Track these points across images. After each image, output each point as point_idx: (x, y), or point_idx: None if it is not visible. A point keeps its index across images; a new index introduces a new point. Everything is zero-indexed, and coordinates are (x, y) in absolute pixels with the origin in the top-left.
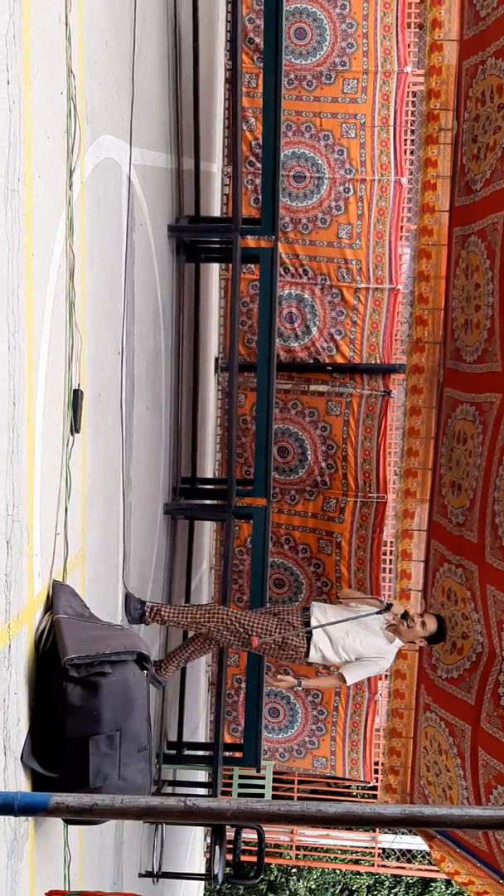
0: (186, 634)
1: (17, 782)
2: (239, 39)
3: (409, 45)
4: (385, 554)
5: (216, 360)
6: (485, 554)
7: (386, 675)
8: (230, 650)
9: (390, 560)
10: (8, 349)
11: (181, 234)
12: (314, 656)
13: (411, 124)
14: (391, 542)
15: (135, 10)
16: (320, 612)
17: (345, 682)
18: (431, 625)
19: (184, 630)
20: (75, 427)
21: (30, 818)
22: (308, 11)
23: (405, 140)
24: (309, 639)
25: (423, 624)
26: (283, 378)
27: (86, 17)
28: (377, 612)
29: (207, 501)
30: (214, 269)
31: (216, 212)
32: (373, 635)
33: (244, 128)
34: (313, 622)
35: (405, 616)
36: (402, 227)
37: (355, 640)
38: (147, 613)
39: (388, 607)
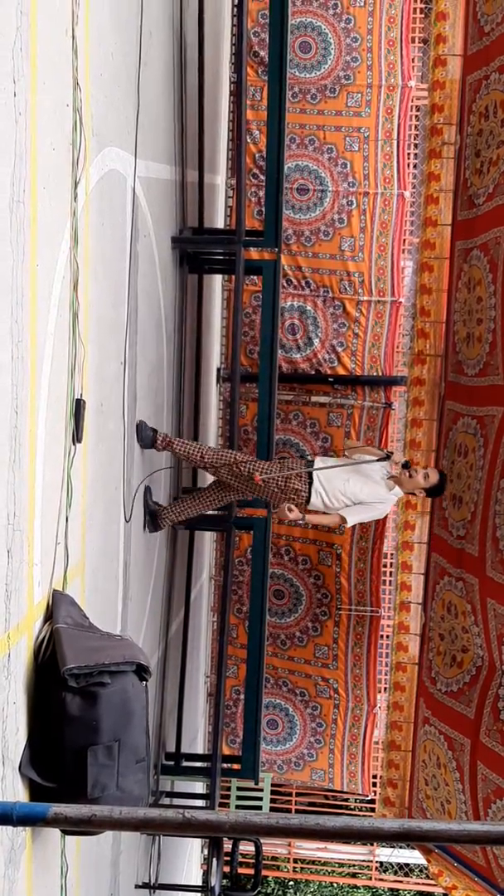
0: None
1: (15, 792)
2: (244, 52)
3: (413, 60)
4: (385, 566)
5: (218, 370)
6: (485, 567)
7: (385, 688)
8: (244, 493)
9: (390, 572)
10: (11, 359)
11: (185, 245)
12: (315, 501)
13: (415, 138)
14: (391, 554)
15: (141, 24)
16: (322, 462)
17: (345, 522)
18: (433, 477)
19: (190, 466)
20: (77, 437)
21: (28, 828)
22: (313, 25)
23: (408, 154)
24: (311, 484)
25: (426, 476)
26: (285, 389)
27: (92, 31)
28: (378, 461)
29: (207, 512)
30: (217, 280)
31: (220, 223)
32: (373, 483)
33: (248, 140)
34: (317, 465)
35: (406, 465)
36: (404, 240)
37: (355, 486)
38: (159, 441)
39: (389, 456)
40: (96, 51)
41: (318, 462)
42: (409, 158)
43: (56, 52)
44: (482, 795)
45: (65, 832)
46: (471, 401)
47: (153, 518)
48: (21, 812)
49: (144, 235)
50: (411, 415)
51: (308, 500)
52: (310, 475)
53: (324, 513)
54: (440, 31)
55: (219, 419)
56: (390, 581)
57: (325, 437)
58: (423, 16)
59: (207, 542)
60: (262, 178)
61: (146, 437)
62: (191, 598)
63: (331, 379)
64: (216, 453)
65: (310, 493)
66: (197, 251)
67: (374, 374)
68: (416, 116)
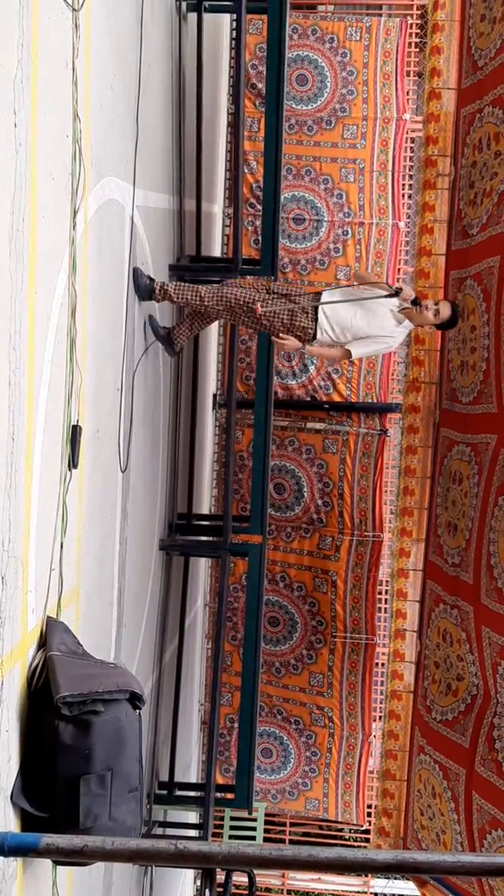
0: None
1: (6, 822)
2: (242, 84)
3: (408, 93)
4: (380, 593)
5: (214, 396)
6: (480, 595)
7: (380, 717)
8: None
9: (386, 599)
10: (8, 385)
11: (182, 272)
12: (321, 338)
13: (410, 169)
14: (386, 581)
15: (140, 56)
16: (329, 295)
17: (350, 356)
18: (445, 311)
19: (190, 310)
20: (73, 463)
21: (19, 858)
22: (310, 59)
23: (403, 185)
24: (316, 319)
25: (437, 312)
26: (281, 415)
27: (92, 63)
28: (386, 296)
29: (203, 538)
30: None
31: (217, 252)
32: (381, 316)
33: (245, 170)
34: (323, 299)
35: (416, 302)
36: (399, 269)
37: (363, 321)
38: (157, 291)
39: (398, 292)
40: (96, 82)
41: (325, 296)
42: (403, 189)
43: (56, 83)
44: (477, 826)
45: (56, 862)
46: (465, 428)
47: (168, 342)
48: (12, 842)
49: (142, 263)
50: (406, 442)
51: (314, 337)
52: (315, 310)
53: (329, 346)
54: (435, 65)
55: (215, 445)
56: (385, 608)
57: (321, 463)
58: (417, 50)
59: (202, 568)
60: (259, 207)
61: (143, 287)
62: (185, 625)
63: (326, 405)
64: (215, 294)
65: (316, 329)
66: (194, 279)
67: (370, 400)
68: (411, 148)
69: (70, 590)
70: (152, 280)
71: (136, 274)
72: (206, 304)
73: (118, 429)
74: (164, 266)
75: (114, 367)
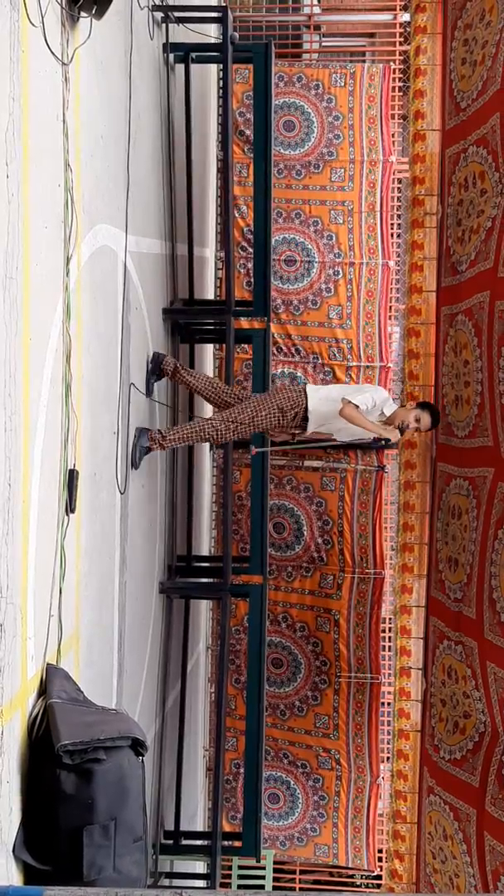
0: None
1: (9, 875)
2: (230, 132)
3: (393, 135)
4: (384, 630)
5: None
6: (484, 630)
7: (387, 757)
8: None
9: (389, 637)
10: (4, 431)
11: (176, 316)
12: (311, 428)
13: (397, 209)
14: (390, 619)
15: (129, 106)
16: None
17: (350, 402)
18: (426, 420)
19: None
20: (70, 507)
21: None
22: (296, 105)
23: (392, 224)
24: (307, 419)
25: (418, 420)
26: (278, 454)
27: (83, 114)
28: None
29: (203, 579)
30: (209, 349)
31: (210, 295)
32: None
33: (236, 215)
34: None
35: (401, 430)
36: (390, 307)
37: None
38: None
39: (387, 442)
40: (86, 133)
41: (310, 404)
42: (392, 228)
43: (47, 135)
44: (491, 868)
45: None
46: (462, 462)
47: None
48: None
49: (136, 308)
50: (404, 477)
51: (305, 418)
52: (305, 416)
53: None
54: (418, 108)
55: (213, 486)
56: (389, 646)
57: (320, 501)
58: (401, 93)
59: (203, 610)
60: (251, 250)
61: (141, 451)
62: (187, 669)
63: (323, 443)
64: (214, 431)
65: (306, 427)
66: (188, 321)
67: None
68: (398, 188)
69: (70, 636)
70: (148, 447)
71: (139, 434)
72: (215, 434)
73: (115, 473)
74: (158, 309)
75: (109, 411)
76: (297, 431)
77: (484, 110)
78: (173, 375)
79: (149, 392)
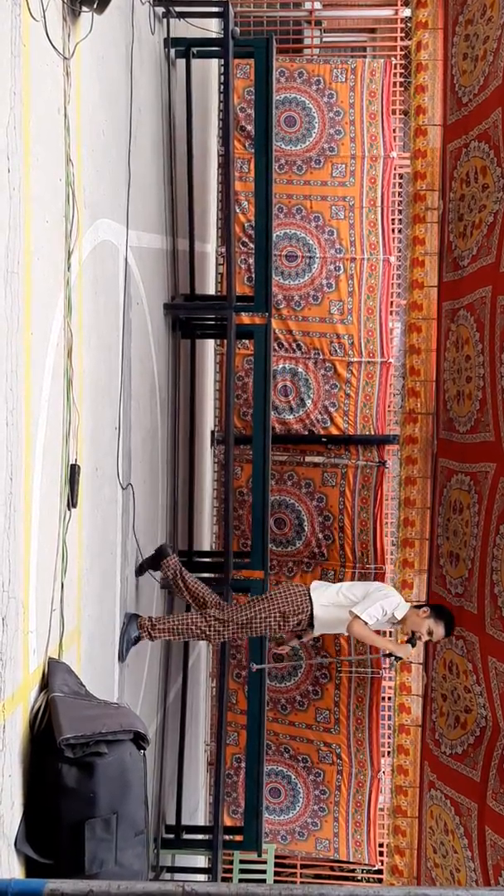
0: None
1: (10, 869)
2: (231, 127)
3: (394, 130)
4: None
5: (212, 433)
6: (485, 625)
7: (388, 752)
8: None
9: (390, 632)
10: (6, 425)
11: (177, 311)
12: (318, 616)
13: (399, 204)
14: None
15: (131, 100)
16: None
17: (358, 616)
18: (439, 631)
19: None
20: (72, 502)
21: None
22: (297, 101)
23: (393, 219)
24: (312, 618)
25: (431, 634)
26: (279, 450)
27: (84, 109)
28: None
29: (205, 574)
30: (210, 344)
31: (211, 290)
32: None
33: (237, 210)
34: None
35: (412, 641)
36: (392, 302)
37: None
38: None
39: (397, 659)
40: (88, 128)
41: (316, 610)
42: (393, 224)
43: (49, 129)
44: (492, 863)
45: None
46: (463, 457)
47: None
48: (16, 889)
49: (137, 303)
50: (405, 473)
51: (311, 623)
52: (310, 622)
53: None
54: (420, 103)
55: (214, 481)
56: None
57: (321, 496)
58: (402, 89)
59: None
60: (252, 245)
61: (129, 643)
62: (189, 663)
63: (324, 439)
64: (211, 631)
65: (311, 608)
66: (189, 317)
67: (367, 433)
68: (399, 184)
69: (72, 630)
70: (138, 638)
71: (126, 624)
72: (207, 633)
73: (117, 467)
74: (159, 304)
75: (111, 405)
76: (301, 634)
77: (485, 105)
78: (173, 579)
79: (139, 572)
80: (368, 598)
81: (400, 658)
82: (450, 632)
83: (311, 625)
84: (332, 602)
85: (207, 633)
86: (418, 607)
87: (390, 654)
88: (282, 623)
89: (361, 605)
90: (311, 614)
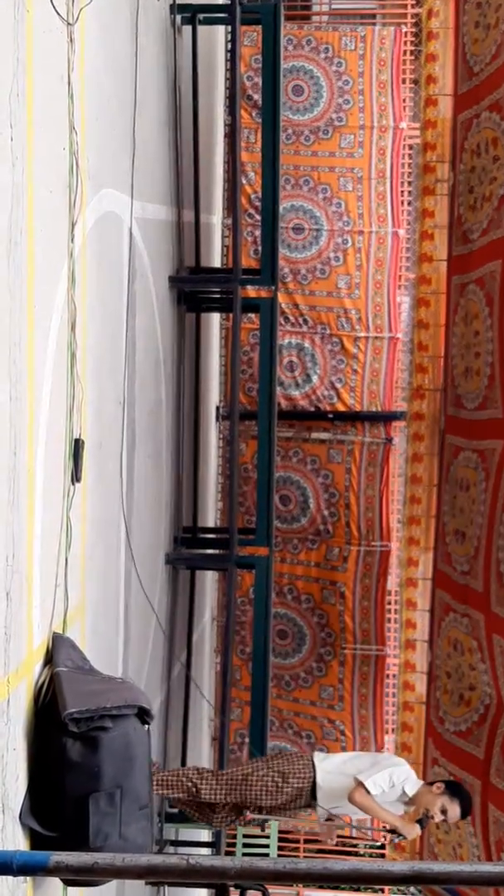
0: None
1: (15, 841)
2: (237, 96)
3: (404, 101)
4: (389, 603)
5: (217, 408)
6: (490, 603)
7: (392, 729)
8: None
9: (395, 609)
10: (9, 399)
11: (182, 284)
12: (321, 786)
13: (408, 176)
14: (395, 591)
15: (136, 68)
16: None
17: (362, 785)
18: (454, 812)
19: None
20: (76, 477)
21: (28, 878)
22: (305, 69)
23: (402, 192)
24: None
25: (444, 813)
26: (285, 426)
27: (88, 76)
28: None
29: (209, 551)
30: (215, 318)
31: (216, 263)
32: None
33: (243, 181)
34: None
35: (422, 823)
36: (400, 276)
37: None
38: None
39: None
40: (92, 95)
41: (319, 777)
42: (402, 196)
43: (52, 97)
44: (494, 839)
45: (66, 882)
46: (471, 434)
47: None
48: (21, 861)
49: (142, 276)
50: (412, 449)
51: (313, 794)
52: (313, 792)
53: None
54: (430, 72)
55: (219, 457)
56: (395, 619)
57: (327, 473)
58: (412, 57)
59: (209, 582)
60: (258, 217)
61: None
62: (193, 639)
63: (330, 415)
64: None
65: (314, 777)
66: (194, 290)
67: (374, 409)
68: (409, 155)
69: (76, 605)
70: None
71: None
72: (199, 787)
73: (121, 442)
74: (164, 277)
75: (115, 380)
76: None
77: (497, 75)
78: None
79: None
80: (376, 766)
81: (403, 836)
82: (466, 813)
83: (314, 796)
84: (337, 770)
85: (199, 785)
86: (431, 784)
87: (393, 831)
88: (280, 783)
89: (367, 772)
90: (314, 783)
